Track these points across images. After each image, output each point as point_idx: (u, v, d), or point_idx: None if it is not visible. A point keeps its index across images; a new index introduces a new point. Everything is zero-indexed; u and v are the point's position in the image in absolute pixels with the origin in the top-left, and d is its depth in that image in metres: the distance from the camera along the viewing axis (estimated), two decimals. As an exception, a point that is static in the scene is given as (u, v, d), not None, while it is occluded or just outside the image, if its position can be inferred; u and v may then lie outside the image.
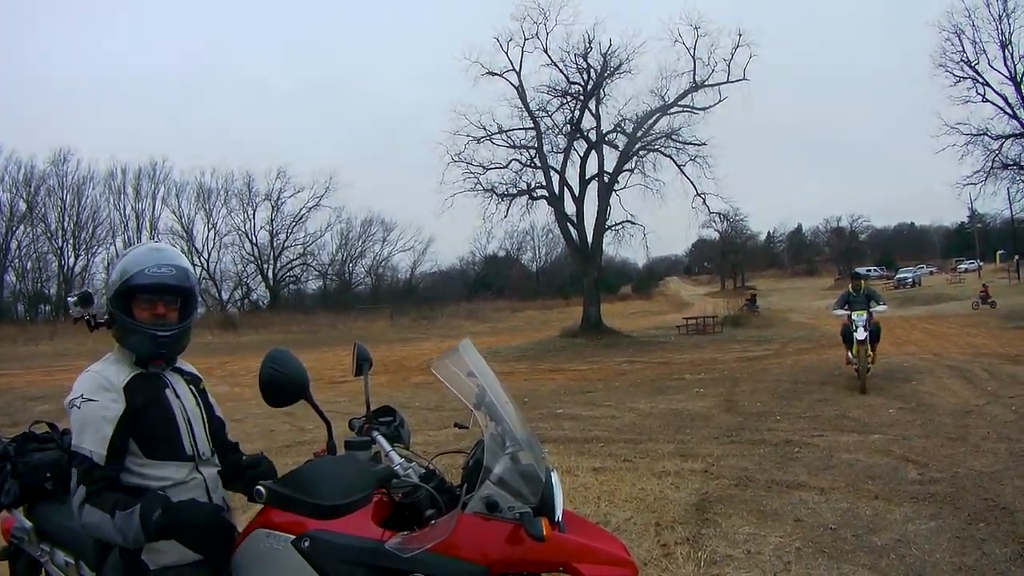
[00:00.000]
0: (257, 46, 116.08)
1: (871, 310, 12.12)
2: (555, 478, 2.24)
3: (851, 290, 12.48)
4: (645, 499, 6.01)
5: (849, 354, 12.11)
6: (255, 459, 2.55)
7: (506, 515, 2.03)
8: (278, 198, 56.58)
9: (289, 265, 58.47)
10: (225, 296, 56.01)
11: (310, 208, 57.01)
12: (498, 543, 2.02)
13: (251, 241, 56.95)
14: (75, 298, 2.37)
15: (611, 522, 5.38)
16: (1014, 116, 30.16)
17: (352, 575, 2.02)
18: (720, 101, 30.61)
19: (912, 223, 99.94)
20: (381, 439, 2.45)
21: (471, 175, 31.85)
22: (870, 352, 11.90)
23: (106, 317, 2.30)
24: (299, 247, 58.45)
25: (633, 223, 32.32)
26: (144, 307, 2.25)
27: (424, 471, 2.33)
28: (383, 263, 63.41)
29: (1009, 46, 29.69)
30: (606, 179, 31.28)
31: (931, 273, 71.64)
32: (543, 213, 33.70)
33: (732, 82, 30.50)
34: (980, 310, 35.24)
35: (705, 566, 4.56)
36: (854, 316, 11.97)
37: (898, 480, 6.33)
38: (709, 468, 7.03)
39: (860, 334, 11.69)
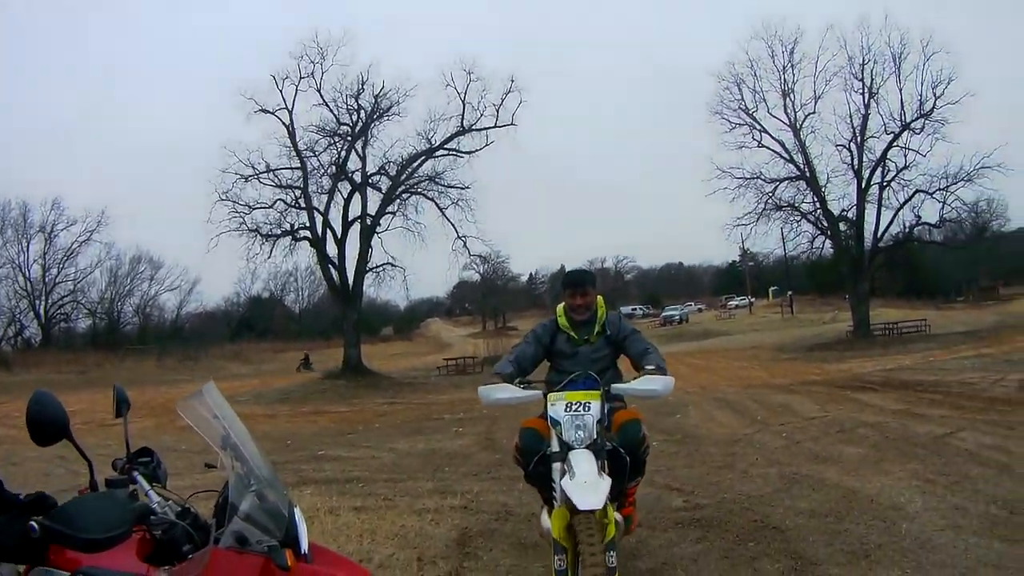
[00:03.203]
0: (40, 64, 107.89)
1: (623, 388, 4.49)
2: (298, 513, 2.51)
3: (565, 325, 4.96)
4: (406, 536, 6.15)
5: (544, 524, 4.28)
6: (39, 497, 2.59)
7: (255, 548, 2.28)
8: (52, 230, 57.53)
9: (60, 302, 59.80)
10: (-2, 333, 56.73)
11: (81, 243, 58.11)
12: (251, 575, 2.25)
13: (24, 275, 57.78)
14: None
15: (374, 559, 5.49)
16: (791, 160, 35.06)
17: None
18: (487, 145, 34.28)
19: (680, 263, 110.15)
20: (140, 479, 2.72)
21: (237, 214, 33.61)
22: (613, 518, 3.85)
23: None
24: (70, 283, 59.67)
25: (394, 265, 35.01)
26: None
27: (180, 509, 2.55)
28: (151, 302, 66.33)
29: (791, 95, 34.64)
30: (368, 221, 33.76)
31: (700, 310, 79.49)
32: (306, 254, 36.24)
33: (500, 127, 34.13)
34: (303, 373, 40.48)
35: (468, 599, 4.64)
36: (557, 409, 4.24)
37: (661, 508, 6.77)
38: (469, 504, 7.22)
39: (573, 479, 3.87)
